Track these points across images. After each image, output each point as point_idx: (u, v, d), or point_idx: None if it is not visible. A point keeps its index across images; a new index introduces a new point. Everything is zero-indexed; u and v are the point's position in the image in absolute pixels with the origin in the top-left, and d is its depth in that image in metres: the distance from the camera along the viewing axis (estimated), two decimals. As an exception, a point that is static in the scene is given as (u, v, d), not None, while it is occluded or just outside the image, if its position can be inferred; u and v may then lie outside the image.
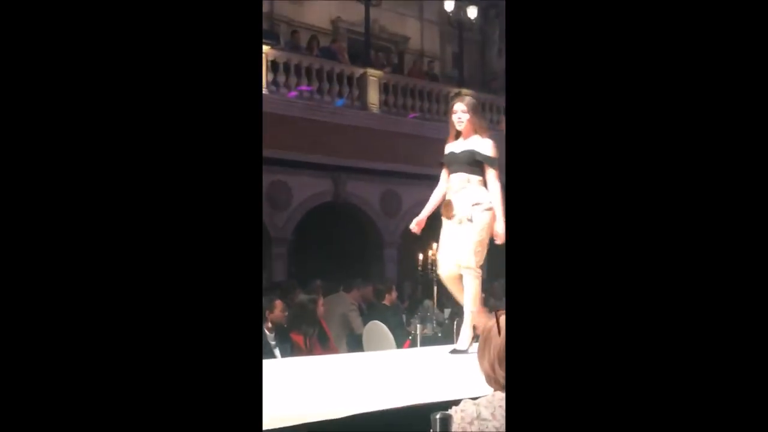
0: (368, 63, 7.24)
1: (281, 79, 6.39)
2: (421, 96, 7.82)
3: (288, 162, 6.32)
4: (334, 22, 8.17)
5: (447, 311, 4.88)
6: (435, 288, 5.12)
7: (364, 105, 7.05)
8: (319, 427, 1.43)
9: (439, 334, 4.17)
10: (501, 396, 1.16)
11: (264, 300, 4.11)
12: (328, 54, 7.07)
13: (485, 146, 2.43)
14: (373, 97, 7.09)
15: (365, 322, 4.42)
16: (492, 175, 2.42)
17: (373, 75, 7.20)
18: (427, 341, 3.90)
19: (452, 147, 2.50)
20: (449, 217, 2.45)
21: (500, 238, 2.38)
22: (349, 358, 3.18)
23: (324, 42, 7.43)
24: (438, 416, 1.01)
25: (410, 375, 2.24)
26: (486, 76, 9.87)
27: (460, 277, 2.50)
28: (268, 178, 6.34)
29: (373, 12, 7.74)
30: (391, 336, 4.08)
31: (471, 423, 1.15)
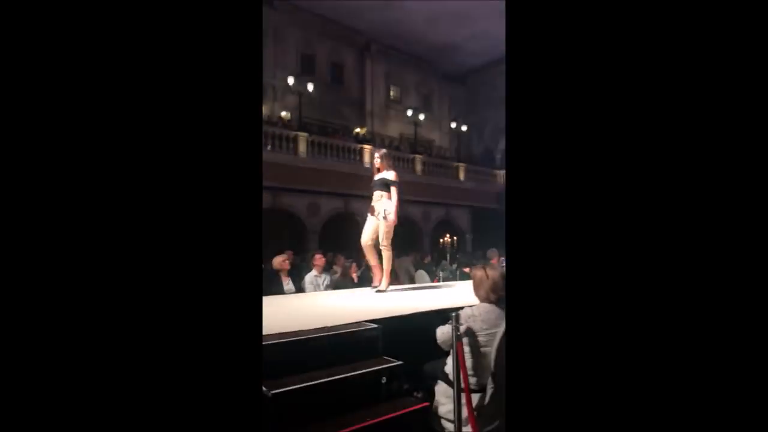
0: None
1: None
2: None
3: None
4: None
5: (454, 266, 7.89)
6: (447, 254, 9.12)
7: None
8: (396, 319, 2.39)
9: (449, 276, 7.09)
10: (484, 305, 2.14)
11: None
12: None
13: (390, 175, 3.67)
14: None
15: (416, 270, 6.94)
16: (393, 190, 3.60)
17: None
18: (444, 280, 6.56)
19: (375, 178, 3.75)
20: (372, 214, 3.64)
21: (393, 221, 3.55)
22: (408, 287, 4.53)
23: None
24: (454, 313, 1.93)
25: (437, 295, 3.54)
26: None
27: (371, 246, 3.66)
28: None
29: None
30: (428, 277, 6.76)
31: (468, 317, 2.09)
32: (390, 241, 3.66)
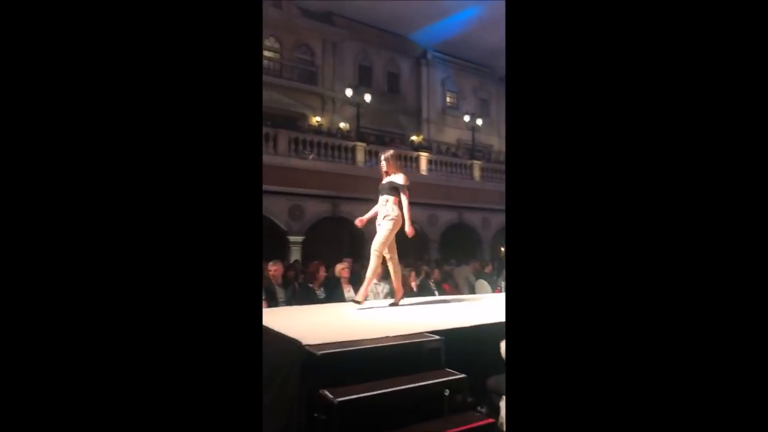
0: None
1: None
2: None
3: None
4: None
5: (517, 275, 7.97)
6: (510, 263, 9.36)
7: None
8: (457, 331, 2.35)
9: (513, 287, 7.27)
10: None
11: (429, 268, 6.54)
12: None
13: (398, 178, 3.36)
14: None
15: (476, 280, 7.03)
16: (403, 197, 3.29)
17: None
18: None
19: (382, 182, 3.44)
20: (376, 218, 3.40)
21: (409, 233, 3.23)
22: (468, 298, 4.52)
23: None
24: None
25: (500, 306, 3.11)
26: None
27: (391, 257, 3.36)
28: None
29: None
30: (489, 287, 6.65)
31: None
32: (382, 249, 3.31)
